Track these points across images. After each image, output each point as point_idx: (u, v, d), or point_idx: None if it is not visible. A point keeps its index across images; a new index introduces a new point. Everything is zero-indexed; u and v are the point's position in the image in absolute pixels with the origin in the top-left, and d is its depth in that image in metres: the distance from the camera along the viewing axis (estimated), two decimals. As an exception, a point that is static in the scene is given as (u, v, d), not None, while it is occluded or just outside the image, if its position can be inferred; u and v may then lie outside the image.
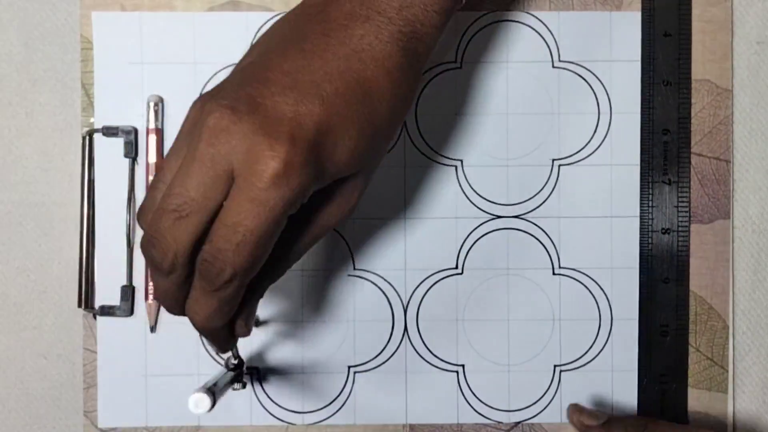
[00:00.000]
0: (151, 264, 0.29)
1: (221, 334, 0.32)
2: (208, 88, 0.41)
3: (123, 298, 0.41)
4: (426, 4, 0.31)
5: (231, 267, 0.28)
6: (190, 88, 0.41)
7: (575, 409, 0.40)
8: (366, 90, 0.29)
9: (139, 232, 0.41)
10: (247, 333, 0.32)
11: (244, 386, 0.39)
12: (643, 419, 0.39)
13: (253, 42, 0.31)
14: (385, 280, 0.42)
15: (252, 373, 0.41)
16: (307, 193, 0.28)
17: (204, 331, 0.31)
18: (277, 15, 0.41)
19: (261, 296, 0.32)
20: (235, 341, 0.33)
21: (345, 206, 0.32)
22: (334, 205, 0.32)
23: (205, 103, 0.28)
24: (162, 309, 0.41)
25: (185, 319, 0.41)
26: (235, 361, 0.38)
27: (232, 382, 0.37)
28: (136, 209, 0.41)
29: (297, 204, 0.28)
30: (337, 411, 0.42)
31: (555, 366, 0.42)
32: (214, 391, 0.32)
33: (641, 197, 0.42)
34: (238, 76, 0.30)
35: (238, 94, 0.28)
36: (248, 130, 0.27)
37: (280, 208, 0.27)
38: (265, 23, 0.41)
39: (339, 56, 0.29)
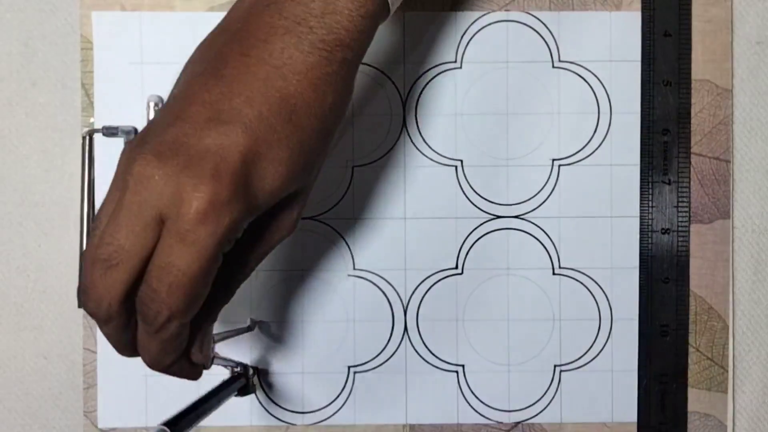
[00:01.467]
0: (89, 314, 0.29)
1: (181, 368, 0.31)
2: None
3: (123, 298, 0.41)
4: (350, 9, 0.29)
5: (167, 308, 0.27)
6: (190, 88, 0.41)
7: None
8: (291, 107, 0.28)
9: (139, 232, 0.41)
10: (204, 360, 0.32)
11: (251, 392, 0.39)
12: None
13: (183, 68, 0.30)
14: (385, 280, 0.42)
15: (253, 374, 0.41)
16: (240, 228, 0.28)
17: (157, 370, 0.30)
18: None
19: (213, 321, 0.32)
20: (200, 369, 0.32)
21: (285, 226, 0.31)
22: (274, 226, 0.31)
23: (131, 151, 0.28)
24: (162, 309, 0.41)
25: (185, 319, 0.41)
26: (237, 369, 0.38)
27: (234, 391, 0.37)
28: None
29: (231, 239, 0.28)
30: (337, 411, 0.42)
31: (555, 366, 0.42)
32: (177, 424, 0.31)
33: (641, 197, 0.42)
34: (164, 114, 0.29)
35: (162, 137, 0.27)
36: (172, 173, 0.26)
37: (212, 246, 0.27)
38: (265, 23, 0.41)
39: (259, 77, 0.28)
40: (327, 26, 0.29)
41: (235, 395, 0.38)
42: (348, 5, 0.29)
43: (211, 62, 0.29)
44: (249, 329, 0.41)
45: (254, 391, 0.40)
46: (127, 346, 0.30)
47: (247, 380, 0.39)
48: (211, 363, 0.33)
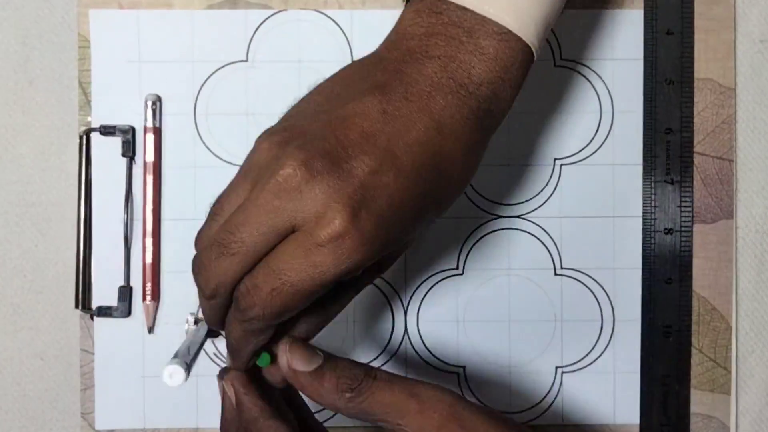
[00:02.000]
0: (197, 286, 0.29)
1: (245, 360, 0.31)
2: (207, 87, 0.41)
3: (120, 298, 0.41)
4: (505, 80, 0.30)
5: (260, 307, 0.28)
6: (188, 86, 0.41)
7: (286, 348, 0.31)
8: (439, 165, 0.28)
9: (137, 232, 0.41)
10: (275, 382, 0.32)
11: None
12: (362, 367, 0.31)
13: (328, 78, 0.31)
14: (385, 280, 0.41)
15: None
16: (363, 267, 0.28)
17: (233, 349, 0.31)
18: (276, 13, 0.41)
19: (308, 338, 0.32)
20: (252, 362, 0.32)
21: (386, 267, 0.32)
22: (376, 267, 0.31)
23: (277, 146, 0.28)
24: (160, 310, 0.41)
25: (182, 320, 0.41)
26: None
27: (206, 338, 0.36)
28: (134, 208, 0.41)
29: (349, 275, 0.28)
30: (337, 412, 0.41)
31: (557, 367, 0.41)
32: (188, 363, 0.31)
33: (644, 197, 0.41)
34: (317, 116, 0.29)
35: (314, 145, 0.27)
36: (320, 192, 0.26)
37: (331, 274, 0.27)
38: (263, 21, 0.41)
39: (420, 126, 0.28)
40: (485, 95, 0.29)
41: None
42: (503, 75, 0.30)
43: (371, 93, 0.29)
44: None
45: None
46: (217, 322, 0.31)
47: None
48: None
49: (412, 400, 0.30)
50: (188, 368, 0.31)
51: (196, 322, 0.38)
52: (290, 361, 0.31)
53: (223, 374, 0.32)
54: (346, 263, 0.27)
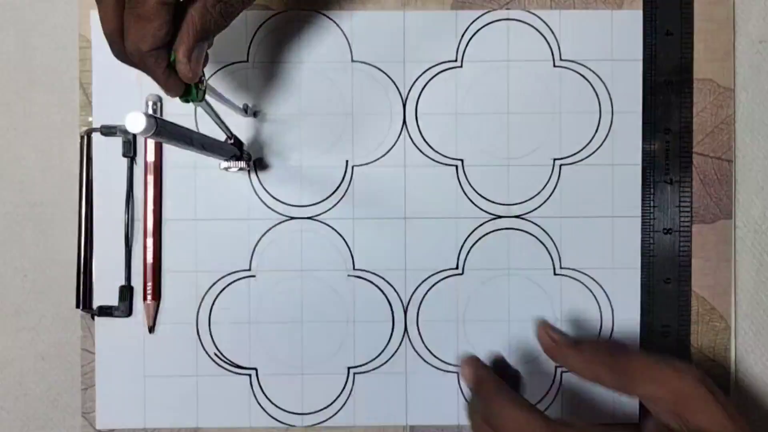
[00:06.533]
0: None
1: (158, 67, 0.31)
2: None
3: (121, 298, 0.41)
4: None
5: None
6: (188, 87, 0.41)
7: (544, 325, 0.39)
8: None
9: (137, 232, 0.41)
10: (189, 74, 0.32)
11: (245, 165, 0.39)
12: (618, 345, 0.37)
13: None
14: (385, 280, 0.41)
15: (253, 162, 0.41)
16: None
17: (137, 58, 0.31)
18: (277, 14, 0.41)
19: (205, 40, 0.32)
20: (180, 83, 0.32)
21: None
22: None
23: None
24: (160, 309, 0.41)
25: (183, 320, 0.41)
26: (231, 140, 0.38)
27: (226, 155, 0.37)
28: (134, 208, 0.41)
29: None
30: (337, 412, 0.41)
31: (556, 366, 0.42)
32: (155, 118, 0.30)
33: (643, 197, 0.41)
34: None
35: None
36: None
37: None
38: (264, 22, 0.41)
39: None
40: None
41: (225, 159, 0.38)
42: None
43: None
44: (245, 113, 0.40)
45: (247, 170, 0.40)
46: (117, 35, 0.31)
47: (241, 153, 0.39)
48: (200, 83, 0.33)
49: (668, 367, 0.34)
50: (155, 123, 0.29)
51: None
52: (550, 332, 0.38)
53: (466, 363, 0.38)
54: None
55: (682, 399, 0.33)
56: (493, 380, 0.36)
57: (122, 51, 0.31)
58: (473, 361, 0.38)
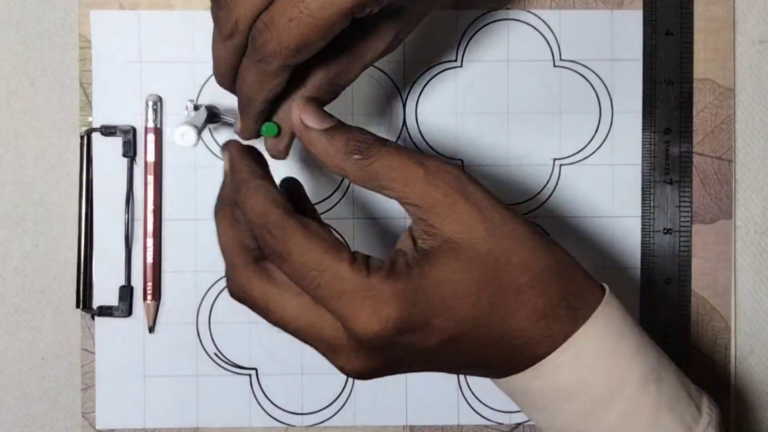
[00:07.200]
0: (215, 25, 0.29)
1: (256, 115, 0.31)
2: (208, 87, 0.41)
3: (121, 298, 0.41)
4: None
5: (276, 41, 0.27)
6: (188, 87, 0.41)
7: (299, 104, 0.31)
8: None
9: (137, 232, 0.41)
10: (279, 154, 0.33)
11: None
12: (372, 138, 0.30)
13: None
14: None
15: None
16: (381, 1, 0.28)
17: (245, 99, 0.31)
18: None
19: (315, 96, 0.31)
20: (256, 131, 0.33)
21: (411, 21, 0.32)
22: (395, 13, 0.31)
23: None
24: (160, 310, 0.41)
25: (183, 320, 0.41)
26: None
27: (206, 122, 0.37)
28: (134, 208, 0.41)
29: (365, 7, 0.27)
30: (337, 412, 0.41)
31: (556, 367, 0.41)
32: (197, 125, 0.31)
33: (643, 197, 0.41)
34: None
35: None
36: None
37: (348, 2, 0.27)
38: (264, 22, 0.41)
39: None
40: None
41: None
42: None
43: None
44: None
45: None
46: (228, 72, 0.30)
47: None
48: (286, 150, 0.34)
49: (420, 167, 0.29)
50: (198, 131, 0.30)
51: (196, 108, 0.38)
52: (302, 114, 0.30)
53: (226, 146, 0.32)
54: None
55: (428, 203, 0.29)
56: (247, 165, 0.31)
57: (230, 87, 0.31)
58: (234, 144, 0.33)
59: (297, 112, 0.30)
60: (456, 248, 0.28)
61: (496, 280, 0.29)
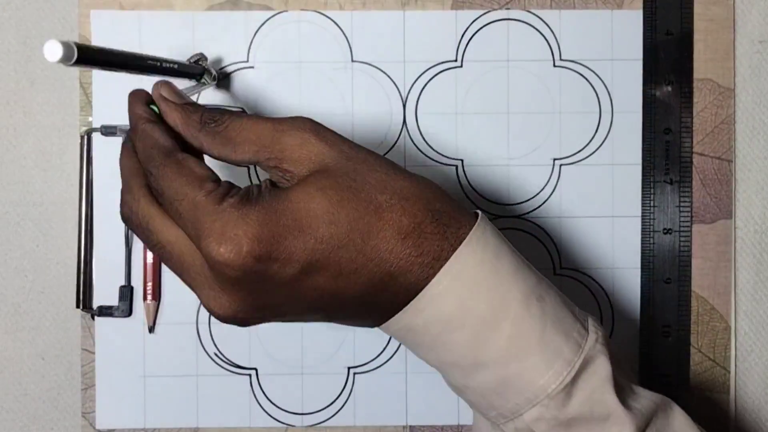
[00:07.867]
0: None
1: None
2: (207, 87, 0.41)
3: (121, 298, 0.41)
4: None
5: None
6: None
7: (159, 84, 0.34)
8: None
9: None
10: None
11: (208, 80, 0.39)
12: (228, 113, 0.32)
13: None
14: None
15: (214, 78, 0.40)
16: None
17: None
18: (277, 14, 0.41)
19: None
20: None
21: None
22: None
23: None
24: (160, 310, 0.41)
25: (183, 320, 0.41)
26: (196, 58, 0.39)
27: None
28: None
29: None
30: (337, 412, 0.41)
31: (556, 367, 0.41)
32: (78, 45, 0.28)
33: (643, 197, 0.41)
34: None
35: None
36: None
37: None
38: (264, 22, 0.41)
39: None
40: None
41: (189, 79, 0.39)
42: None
43: None
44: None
45: (212, 84, 0.40)
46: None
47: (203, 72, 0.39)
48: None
49: (268, 122, 0.31)
50: (76, 51, 0.27)
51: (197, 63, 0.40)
52: (161, 89, 0.33)
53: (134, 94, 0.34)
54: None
55: (279, 150, 0.30)
56: (143, 108, 0.33)
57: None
58: (139, 93, 0.34)
59: (157, 88, 0.33)
60: (310, 178, 0.30)
61: (354, 199, 0.29)
